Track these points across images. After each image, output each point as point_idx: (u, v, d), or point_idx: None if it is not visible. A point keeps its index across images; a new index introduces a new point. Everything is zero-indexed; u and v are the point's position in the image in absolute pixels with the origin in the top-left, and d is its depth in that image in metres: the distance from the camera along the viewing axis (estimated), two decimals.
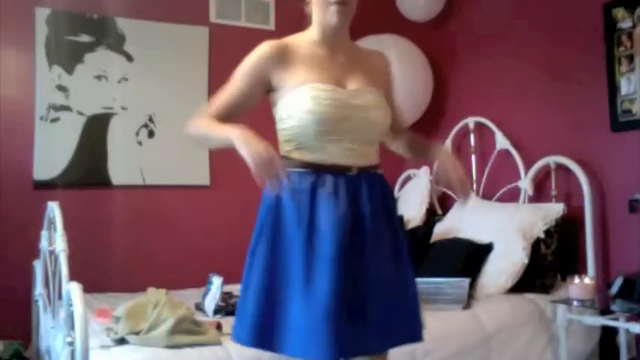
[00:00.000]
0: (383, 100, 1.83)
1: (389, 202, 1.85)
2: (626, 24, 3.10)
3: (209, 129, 1.77)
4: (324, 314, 1.63)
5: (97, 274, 3.34)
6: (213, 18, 4.08)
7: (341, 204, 1.71)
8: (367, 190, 1.76)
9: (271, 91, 1.82)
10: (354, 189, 1.75)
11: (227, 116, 1.79)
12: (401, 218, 3.60)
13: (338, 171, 1.75)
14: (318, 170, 1.75)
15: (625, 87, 3.10)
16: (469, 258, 3.15)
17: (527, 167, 3.52)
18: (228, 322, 2.55)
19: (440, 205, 4.08)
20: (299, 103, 1.74)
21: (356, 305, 1.68)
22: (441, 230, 3.55)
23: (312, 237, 1.69)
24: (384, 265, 1.75)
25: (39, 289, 2.94)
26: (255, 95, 1.82)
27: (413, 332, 1.80)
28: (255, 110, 1.86)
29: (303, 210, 1.71)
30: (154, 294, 2.61)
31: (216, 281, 2.82)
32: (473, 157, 3.89)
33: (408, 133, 2.07)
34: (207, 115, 1.81)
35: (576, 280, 2.85)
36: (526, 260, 3.07)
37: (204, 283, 2.96)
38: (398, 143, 2.06)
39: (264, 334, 1.72)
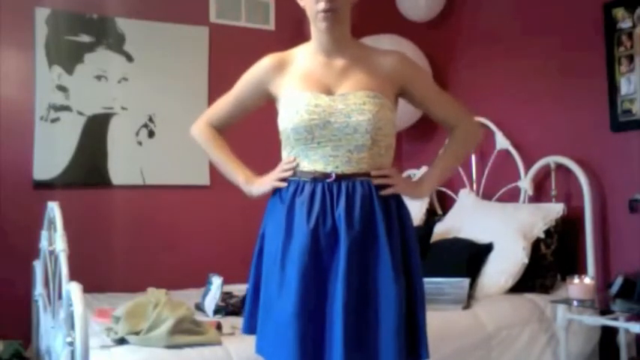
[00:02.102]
0: (377, 102, 1.76)
1: (377, 211, 1.74)
2: (626, 24, 3.10)
3: (217, 154, 1.98)
4: (288, 324, 1.68)
5: (97, 274, 3.34)
6: (213, 18, 4.08)
7: (314, 213, 1.72)
8: (345, 198, 1.73)
9: (274, 101, 1.91)
10: (330, 197, 1.74)
11: (226, 121, 2.00)
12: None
13: (316, 178, 1.76)
14: (299, 177, 1.79)
15: (625, 87, 3.10)
16: (469, 258, 3.15)
17: (527, 167, 3.52)
18: (228, 322, 2.56)
19: (440, 205, 4.08)
20: (282, 112, 1.82)
21: (321, 318, 1.69)
22: (441, 230, 3.55)
23: (288, 245, 1.74)
24: (358, 280, 1.69)
25: (39, 289, 2.94)
26: (252, 104, 1.97)
27: (390, 353, 1.67)
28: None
29: (282, 218, 1.77)
30: (154, 294, 2.60)
31: (216, 281, 2.82)
32: (473, 157, 3.89)
33: (454, 135, 1.92)
34: (208, 120, 2.00)
35: (576, 280, 2.85)
36: (526, 260, 3.07)
37: (204, 283, 2.96)
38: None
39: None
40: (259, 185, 1.89)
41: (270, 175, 1.87)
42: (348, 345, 1.65)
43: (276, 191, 1.84)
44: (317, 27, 1.82)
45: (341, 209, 1.72)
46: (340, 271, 1.68)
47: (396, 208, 1.82)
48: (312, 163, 1.77)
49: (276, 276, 1.74)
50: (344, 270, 1.68)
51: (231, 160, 1.97)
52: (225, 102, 1.99)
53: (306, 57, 1.87)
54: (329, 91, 1.79)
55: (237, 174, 1.95)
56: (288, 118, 1.78)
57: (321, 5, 1.76)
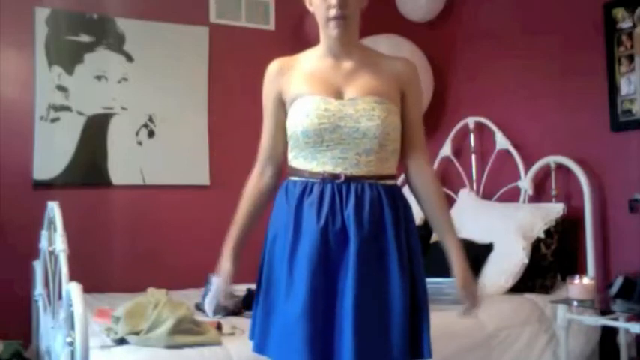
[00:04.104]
0: (385, 107, 1.78)
1: (386, 213, 1.77)
2: (626, 24, 3.10)
3: (237, 217, 1.92)
4: (296, 323, 1.67)
5: (97, 274, 3.34)
6: (213, 18, 4.08)
7: (323, 213, 1.73)
8: (354, 199, 1.74)
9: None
10: (340, 197, 1.74)
11: (279, 148, 1.89)
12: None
13: (326, 179, 1.76)
14: (308, 178, 1.79)
15: (625, 87, 3.10)
16: (469, 258, 3.14)
17: (527, 167, 3.52)
18: (228, 322, 2.56)
19: None
20: (291, 115, 1.82)
21: (330, 317, 1.70)
22: None
23: (296, 245, 1.74)
24: (368, 278, 1.70)
25: (39, 289, 2.94)
26: (285, 115, 1.87)
27: (392, 354, 1.70)
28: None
29: (290, 218, 1.77)
30: (154, 294, 2.60)
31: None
32: (473, 157, 3.89)
33: (429, 186, 1.97)
34: (263, 163, 1.91)
35: (576, 280, 2.85)
36: (526, 260, 3.07)
37: (204, 283, 2.96)
38: (411, 180, 1.97)
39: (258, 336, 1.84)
40: (221, 272, 1.92)
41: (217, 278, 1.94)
42: (359, 341, 1.65)
43: (282, 193, 1.84)
44: (327, 33, 1.82)
45: (350, 210, 1.73)
46: (350, 268, 1.69)
47: (404, 211, 1.84)
48: (321, 164, 1.77)
49: (284, 276, 1.74)
50: (355, 267, 1.69)
51: (234, 229, 1.91)
52: (266, 131, 1.91)
53: (313, 59, 1.87)
54: (337, 94, 1.80)
55: (226, 247, 1.92)
56: (298, 121, 1.78)
57: (333, 12, 1.76)
